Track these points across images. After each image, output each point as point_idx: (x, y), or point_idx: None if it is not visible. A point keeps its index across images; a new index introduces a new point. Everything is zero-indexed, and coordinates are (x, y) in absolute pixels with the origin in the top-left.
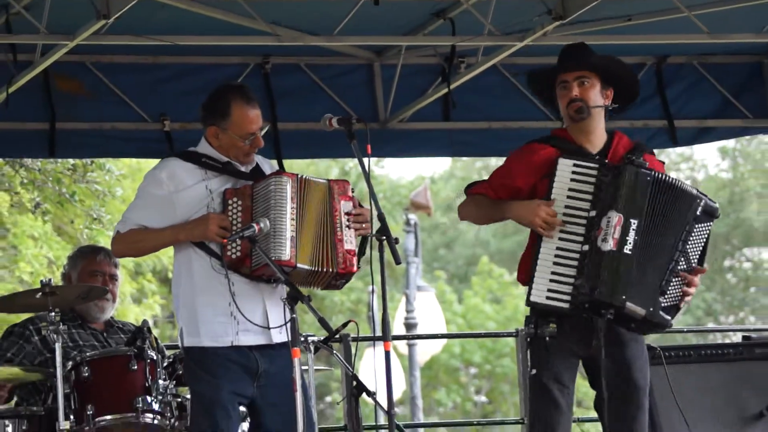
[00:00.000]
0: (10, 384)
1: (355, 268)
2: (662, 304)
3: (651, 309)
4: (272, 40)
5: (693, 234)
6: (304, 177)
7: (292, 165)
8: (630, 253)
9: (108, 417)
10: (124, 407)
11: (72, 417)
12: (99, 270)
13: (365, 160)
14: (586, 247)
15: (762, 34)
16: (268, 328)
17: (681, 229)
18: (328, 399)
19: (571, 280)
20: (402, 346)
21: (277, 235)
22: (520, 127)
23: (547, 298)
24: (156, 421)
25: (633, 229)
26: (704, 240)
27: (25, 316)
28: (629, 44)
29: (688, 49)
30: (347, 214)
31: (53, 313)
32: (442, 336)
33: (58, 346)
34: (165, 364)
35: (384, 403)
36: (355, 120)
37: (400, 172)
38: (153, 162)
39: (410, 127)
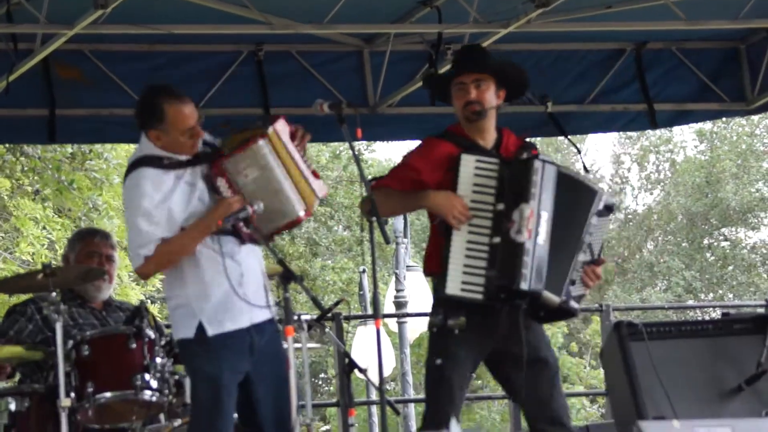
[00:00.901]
0: (11, 362)
1: (323, 193)
2: (573, 295)
3: (564, 297)
4: (265, 28)
5: (595, 227)
6: (264, 132)
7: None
8: (543, 243)
9: (107, 394)
10: (123, 384)
11: (72, 394)
12: (96, 251)
13: (355, 143)
14: (497, 239)
15: (738, 20)
16: (268, 307)
17: (585, 221)
18: (323, 376)
19: (483, 272)
20: (392, 324)
21: (283, 197)
22: (504, 111)
23: (462, 290)
24: (154, 398)
25: (544, 221)
26: (603, 232)
27: (25, 297)
28: (609, 31)
29: (667, 35)
30: (297, 146)
31: (54, 294)
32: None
33: (59, 325)
34: (163, 343)
35: (375, 380)
36: (345, 105)
37: (389, 155)
38: None
39: (399, 112)
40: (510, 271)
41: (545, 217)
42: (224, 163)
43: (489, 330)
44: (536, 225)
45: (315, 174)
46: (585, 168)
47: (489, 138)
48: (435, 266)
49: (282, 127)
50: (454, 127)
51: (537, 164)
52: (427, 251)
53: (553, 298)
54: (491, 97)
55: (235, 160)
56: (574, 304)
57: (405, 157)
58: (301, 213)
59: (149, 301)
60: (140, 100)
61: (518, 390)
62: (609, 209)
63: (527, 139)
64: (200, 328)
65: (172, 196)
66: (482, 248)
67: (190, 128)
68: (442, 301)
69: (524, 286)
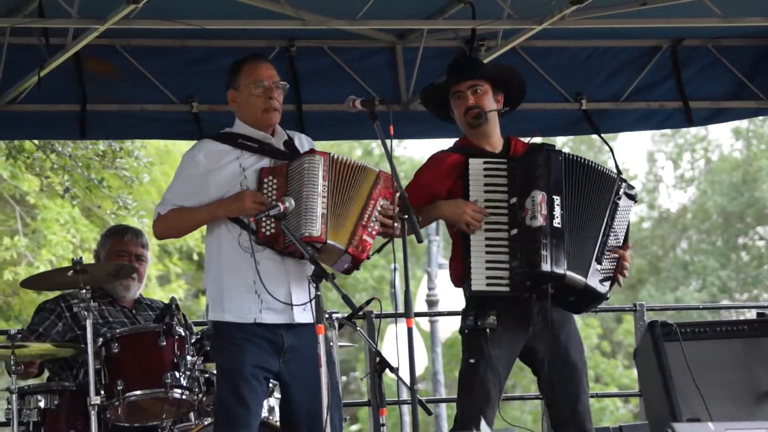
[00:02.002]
0: (41, 359)
1: (364, 256)
2: (599, 275)
3: (590, 278)
4: (297, 23)
5: (618, 212)
6: (341, 158)
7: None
8: (559, 226)
9: (137, 392)
10: (153, 382)
11: (102, 392)
12: (125, 250)
13: (387, 140)
14: (514, 231)
15: None
16: (291, 305)
17: (606, 205)
18: (353, 375)
19: (507, 265)
20: (424, 322)
21: (308, 212)
22: (537, 108)
23: (488, 285)
24: (184, 396)
25: (557, 205)
26: (627, 220)
27: (55, 294)
28: (645, 27)
29: (703, 32)
30: (381, 207)
31: (84, 291)
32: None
33: (89, 323)
34: (193, 341)
35: (407, 379)
36: (378, 101)
37: (421, 153)
38: (181, 144)
39: None
40: (531, 256)
41: (558, 201)
42: (289, 165)
43: (521, 327)
44: (550, 209)
45: (366, 243)
46: (617, 167)
47: (495, 143)
48: (458, 274)
49: (383, 177)
50: (461, 140)
51: (541, 152)
52: (450, 261)
53: (578, 279)
54: (489, 101)
55: (295, 165)
56: (601, 286)
57: (415, 174)
58: (315, 234)
59: None
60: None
61: (546, 389)
62: (630, 198)
63: (538, 140)
64: (207, 311)
65: (220, 172)
66: (502, 243)
67: (261, 82)
68: (472, 302)
69: (546, 267)
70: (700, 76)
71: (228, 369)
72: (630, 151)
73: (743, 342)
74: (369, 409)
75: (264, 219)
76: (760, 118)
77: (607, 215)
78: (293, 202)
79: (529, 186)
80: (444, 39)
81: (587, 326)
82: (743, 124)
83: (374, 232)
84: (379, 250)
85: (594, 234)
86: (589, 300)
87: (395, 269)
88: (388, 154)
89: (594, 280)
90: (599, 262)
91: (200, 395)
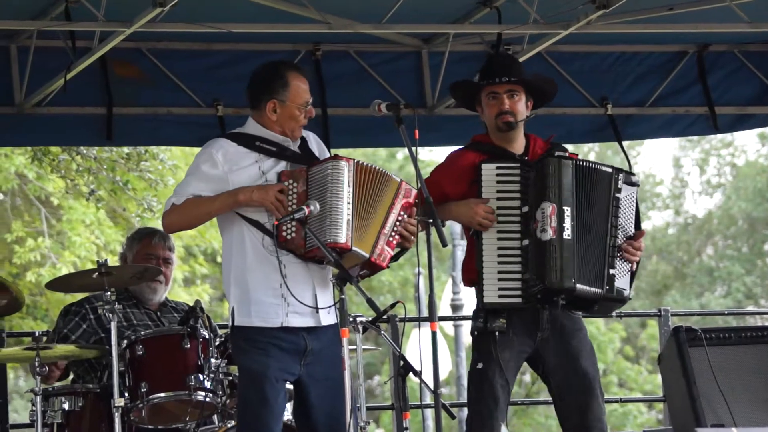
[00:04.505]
0: (65, 361)
1: (385, 264)
2: (615, 280)
3: (606, 287)
4: (323, 27)
5: (621, 207)
6: (365, 164)
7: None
8: (569, 238)
9: (161, 394)
10: (177, 385)
11: (126, 394)
12: (153, 253)
13: (413, 145)
14: (526, 242)
15: None
16: (317, 309)
17: (608, 205)
18: (377, 378)
19: (519, 276)
20: (448, 327)
21: (333, 218)
22: (563, 113)
23: (500, 296)
24: (208, 399)
25: (567, 216)
26: (633, 207)
27: (80, 296)
28: (671, 33)
29: (729, 37)
30: (402, 217)
31: (109, 293)
32: None
33: (113, 325)
34: (217, 343)
35: (430, 383)
36: (403, 105)
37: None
38: None
39: (457, 113)
40: (540, 270)
41: (568, 212)
42: (309, 170)
43: (530, 331)
44: (560, 221)
45: (386, 251)
46: (630, 171)
47: (518, 146)
48: (473, 275)
49: (404, 188)
50: (481, 136)
51: (551, 161)
52: (464, 261)
53: (592, 291)
54: (523, 108)
55: (316, 170)
56: (621, 290)
57: (432, 171)
58: (341, 241)
59: None
60: (261, 70)
61: (556, 396)
62: (630, 185)
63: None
64: (232, 315)
65: (240, 174)
66: (515, 252)
67: (307, 102)
68: (491, 308)
69: (555, 282)
70: (726, 81)
71: (252, 372)
72: (656, 157)
73: (767, 348)
74: (392, 412)
75: (287, 222)
76: None
77: (610, 215)
78: (318, 207)
79: (539, 196)
80: (470, 43)
81: (611, 330)
82: None
83: (394, 242)
84: (395, 259)
85: (602, 239)
86: (611, 304)
87: (419, 273)
88: (414, 159)
89: (611, 288)
90: (612, 266)
91: (224, 398)
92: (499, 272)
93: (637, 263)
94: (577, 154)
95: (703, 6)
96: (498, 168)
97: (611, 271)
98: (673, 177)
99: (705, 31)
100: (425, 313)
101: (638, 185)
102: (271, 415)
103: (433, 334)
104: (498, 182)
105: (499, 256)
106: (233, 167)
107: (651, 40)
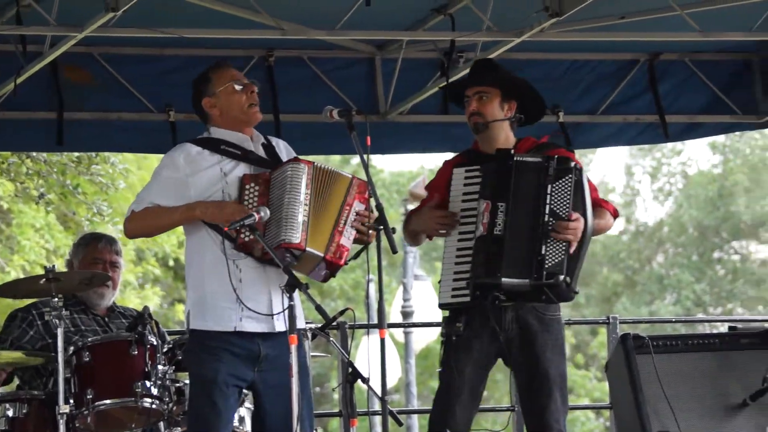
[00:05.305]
0: (11, 367)
1: (342, 262)
2: (546, 266)
3: (534, 275)
4: (276, 33)
5: (554, 193)
6: (322, 166)
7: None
8: (500, 233)
9: (107, 401)
10: (123, 392)
11: (72, 401)
12: (100, 257)
13: (365, 151)
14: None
15: (751, 32)
16: (271, 315)
17: (540, 195)
18: (327, 385)
19: (468, 274)
20: (399, 333)
21: (289, 219)
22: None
23: (452, 296)
24: (154, 406)
25: (501, 212)
26: (569, 192)
27: (28, 301)
28: (623, 41)
29: (680, 46)
30: (357, 213)
31: (56, 299)
32: (438, 324)
33: (60, 331)
34: (165, 350)
35: (378, 390)
36: (355, 112)
37: (399, 163)
38: (155, 156)
39: (409, 120)
40: (474, 267)
41: (502, 207)
42: (272, 173)
43: (493, 332)
44: (492, 217)
45: (344, 248)
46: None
47: (501, 147)
48: None
49: (356, 183)
50: (474, 143)
51: (497, 161)
52: None
53: (518, 282)
54: (494, 109)
55: (278, 173)
56: (552, 273)
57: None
58: (295, 241)
59: None
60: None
61: (520, 396)
62: (564, 171)
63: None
64: (188, 318)
65: (201, 176)
66: (468, 252)
67: (238, 82)
68: (444, 309)
69: (480, 279)
70: (677, 90)
71: (203, 377)
72: (609, 165)
73: (714, 355)
74: (341, 419)
75: (238, 227)
76: (737, 133)
77: (541, 204)
78: (268, 213)
79: (483, 196)
80: (423, 50)
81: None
82: (720, 138)
83: (351, 238)
84: (355, 257)
85: (535, 229)
86: (554, 290)
87: (370, 280)
88: (365, 165)
89: (540, 276)
90: (540, 253)
91: (171, 404)
92: (455, 272)
93: (580, 248)
94: (573, 152)
95: (654, 15)
96: (466, 171)
97: (539, 258)
98: (625, 185)
99: (656, 39)
100: (375, 320)
101: (577, 171)
102: (219, 420)
103: (382, 341)
104: (465, 185)
105: (457, 257)
106: (195, 169)
107: (603, 48)
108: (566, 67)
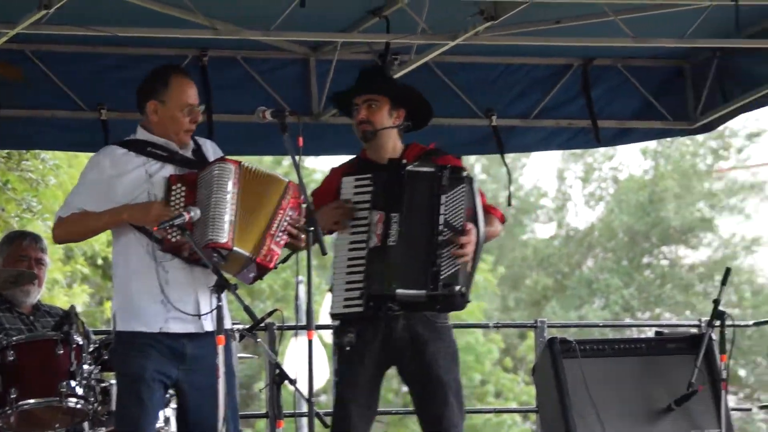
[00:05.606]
0: None
1: (272, 265)
2: (442, 277)
3: (430, 286)
4: (210, 33)
5: (448, 203)
6: (250, 166)
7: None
8: (394, 244)
9: (31, 401)
10: (48, 391)
11: None
12: (25, 255)
13: (297, 152)
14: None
15: (683, 39)
16: (198, 316)
17: (434, 205)
18: (256, 386)
19: (361, 285)
20: (328, 335)
21: (216, 218)
22: (448, 123)
23: (344, 306)
24: (79, 405)
25: (395, 222)
26: (462, 202)
27: None
28: (557, 46)
29: (614, 52)
30: (290, 217)
31: None
32: None
33: None
34: (91, 349)
35: (305, 391)
36: (288, 113)
37: (332, 165)
38: (85, 154)
39: (342, 122)
40: (367, 279)
41: (396, 218)
42: (200, 173)
43: (382, 343)
44: (386, 228)
45: (274, 251)
46: (509, 198)
47: (389, 155)
48: None
49: (292, 188)
50: (362, 150)
51: (388, 171)
52: None
53: (414, 293)
54: (383, 117)
55: (205, 173)
56: (448, 285)
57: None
58: (222, 240)
59: None
60: (148, 74)
61: (416, 405)
62: (457, 180)
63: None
64: (114, 320)
65: (126, 177)
66: (360, 262)
67: (189, 106)
68: (336, 319)
69: (375, 291)
70: (609, 95)
71: (130, 374)
72: (542, 169)
73: (640, 360)
74: (267, 421)
75: (167, 227)
76: (668, 139)
77: (435, 214)
78: (199, 213)
79: (372, 205)
80: (358, 52)
81: (490, 341)
82: (651, 144)
83: (282, 242)
84: (284, 261)
85: (427, 240)
86: (449, 301)
87: (299, 281)
88: (297, 166)
89: (435, 287)
90: (435, 265)
91: (96, 404)
92: (347, 282)
93: (474, 259)
94: (460, 159)
95: (589, 20)
96: (356, 180)
97: (434, 269)
98: (557, 189)
99: (590, 45)
100: (304, 321)
101: (468, 180)
102: (146, 415)
103: (310, 342)
104: (355, 194)
105: (348, 266)
106: (120, 171)
107: (537, 53)
108: (500, 71)
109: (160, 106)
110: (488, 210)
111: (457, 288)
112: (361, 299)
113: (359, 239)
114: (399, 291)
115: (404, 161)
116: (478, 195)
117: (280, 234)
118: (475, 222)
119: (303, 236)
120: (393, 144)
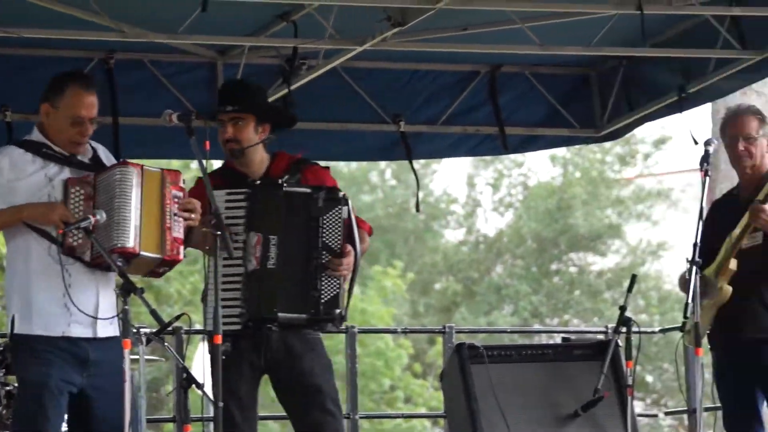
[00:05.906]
0: None
1: (180, 257)
2: (323, 301)
3: (311, 310)
4: (117, 35)
5: (325, 226)
6: (144, 167)
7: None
8: (274, 267)
9: None
10: None
11: None
12: None
13: (204, 156)
14: (241, 270)
15: (590, 47)
16: (97, 319)
17: (310, 227)
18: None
19: (239, 303)
20: None
21: (120, 223)
22: (357, 129)
23: (223, 324)
24: None
25: (273, 245)
26: (339, 224)
27: None
28: (465, 52)
29: (521, 59)
30: (177, 201)
31: None
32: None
33: None
34: None
35: (212, 395)
36: (194, 116)
37: None
38: None
39: None
40: (247, 300)
41: (274, 240)
42: (98, 176)
43: (258, 354)
44: (265, 251)
45: (177, 241)
46: (417, 205)
47: (256, 167)
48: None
49: (167, 175)
50: (227, 162)
51: (260, 191)
52: None
53: (296, 317)
54: (250, 134)
55: (105, 176)
56: (329, 310)
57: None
58: (129, 245)
59: None
60: (52, 77)
61: (292, 415)
62: (334, 201)
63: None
64: (12, 323)
65: (25, 179)
66: (236, 279)
67: (79, 118)
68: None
69: (256, 314)
70: (517, 102)
71: (32, 382)
72: (452, 176)
73: (547, 366)
74: (174, 425)
75: (73, 231)
76: (577, 146)
77: (312, 236)
78: (105, 216)
79: (249, 225)
80: (266, 56)
81: (399, 347)
82: (560, 151)
83: (181, 228)
84: (187, 242)
85: (306, 262)
86: (326, 325)
87: (207, 285)
88: (204, 170)
89: (317, 311)
90: (315, 288)
91: (1, 408)
92: (223, 299)
93: (352, 280)
94: (328, 168)
95: (496, 27)
96: (227, 194)
97: (315, 293)
98: (467, 195)
99: (497, 51)
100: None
101: (344, 201)
102: (48, 424)
103: (216, 346)
104: (226, 208)
105: (224, 283)
106: (19, 175)
107: (445, 59)
108: (408, 77)
109: (52, 111)
110: (359, 225)
111: (338, 311)
112: (240, 318)
113: (235, 255)
114: (281, 315)
115: (279, 181)
116: (353, 215)
117: (176, 222)
118: (352, 242)
119: (194, 216)
120: (260, 157)
